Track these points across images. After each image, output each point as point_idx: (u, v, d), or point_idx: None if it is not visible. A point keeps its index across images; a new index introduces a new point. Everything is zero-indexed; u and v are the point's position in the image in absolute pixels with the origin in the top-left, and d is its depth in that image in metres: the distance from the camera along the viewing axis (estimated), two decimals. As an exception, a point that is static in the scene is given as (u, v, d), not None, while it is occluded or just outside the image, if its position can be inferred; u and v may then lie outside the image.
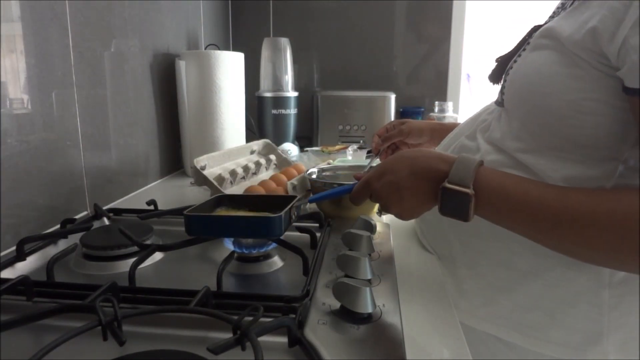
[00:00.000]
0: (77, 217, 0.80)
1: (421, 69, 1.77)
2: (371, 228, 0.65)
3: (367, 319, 0.46)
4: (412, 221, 0.80)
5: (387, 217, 0.81)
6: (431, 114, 1.57)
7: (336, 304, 0.48)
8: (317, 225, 0.74)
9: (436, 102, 1.56)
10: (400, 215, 0.61)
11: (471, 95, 1.86)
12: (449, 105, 1.55)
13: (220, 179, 0.91)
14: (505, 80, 0.62)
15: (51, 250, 0.66)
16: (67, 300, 0.48)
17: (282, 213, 0.58)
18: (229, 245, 0.64)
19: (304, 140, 1.66)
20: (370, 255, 0.55)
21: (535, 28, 0.60)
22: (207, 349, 0.35)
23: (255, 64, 1.54)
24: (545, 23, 0.59)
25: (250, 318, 0.38)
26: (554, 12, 0.61)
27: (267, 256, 0.63)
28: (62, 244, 0.68)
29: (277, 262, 0.63)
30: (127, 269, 0.54)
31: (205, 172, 0.89)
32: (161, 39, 1.19)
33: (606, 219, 0.45)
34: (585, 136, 0.52)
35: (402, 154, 0.60)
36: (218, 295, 0.49)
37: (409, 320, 0.50)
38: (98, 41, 0.91)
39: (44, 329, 0.45)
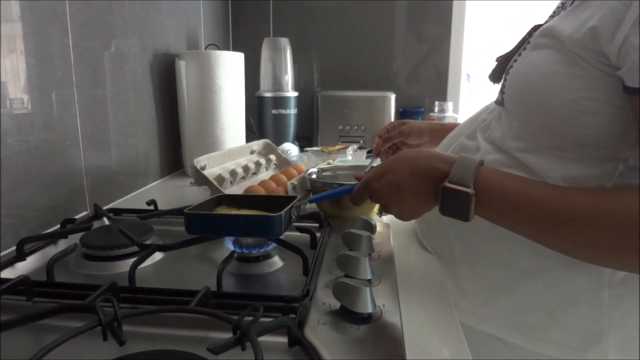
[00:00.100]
0: (77, 217, 0.80)
1: (421, 69, 1.77)
2: (371, 228, 0.65)
3: (367, 319, 0.46)
4: (412, 221, 0.80)
5: (387, 217, 0.81)
6: (431, 114, 1.57)
7: (336, 304, 0.48)
8: (317, 225, 0.74)
9: (436, 102, 1.56)
10: (400, 216, 0.61)
11: (471, 95, 1.85)
12: (449, 105, 1.55)
13: (220, 179, 0.91)
14: (505, 80, 0.62)
15: (51, 250, 0.66)
16: (67, 300, 0.48)
17: (282, 212, 0.58)
18: (229, 245, 0.64)
19: (304, 140, 1.66)
20: (370, 255, 0.55)
21: (536, 27, 0.60)
22: (207, 349, 0.35)
23: (255, 64, 1.54)
24: (546, 22, 0.59)
25: (250, 318, 0.38)
26: (554, 12, 0.61)
27: (267, 256, 0.63)
28: (62, 244, 0.68)
29: (277, 262, 0.63)
30: (127, 269, 0.54)
31: (205, 172, 0.89)
32: (161, 39, 1.19)
33: (606, 219, 0.45)
34: (585, 135, 0.52)
35: (403, 155, 0.60)
36: (218, 295, 0.49)
37: (409, 320, 0.50)
38: (98, 41, 0.91)
39: (44, 329, 0.45)
